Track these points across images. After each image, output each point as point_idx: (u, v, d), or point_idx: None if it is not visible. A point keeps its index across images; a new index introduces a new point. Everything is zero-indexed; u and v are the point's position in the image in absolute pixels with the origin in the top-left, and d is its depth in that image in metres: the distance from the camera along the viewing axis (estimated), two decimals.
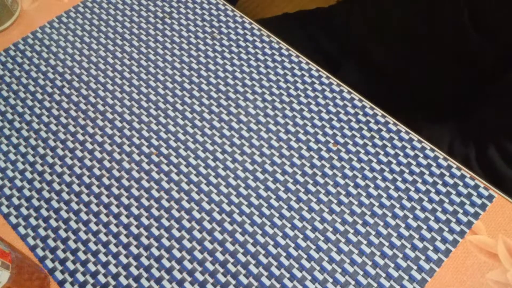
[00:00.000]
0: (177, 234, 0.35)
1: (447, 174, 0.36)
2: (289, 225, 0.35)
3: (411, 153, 0.38)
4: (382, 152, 0.38)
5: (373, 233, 0.34)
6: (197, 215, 0.35)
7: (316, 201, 0.36)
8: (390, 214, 0.35)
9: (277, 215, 0.35)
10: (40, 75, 0.44)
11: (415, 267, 0.33)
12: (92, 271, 0.33)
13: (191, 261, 0.34)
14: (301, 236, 0.34)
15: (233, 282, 0.33)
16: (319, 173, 0.37)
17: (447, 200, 0.35)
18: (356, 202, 0.35)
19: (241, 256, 0.34)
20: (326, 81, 0.42)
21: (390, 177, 0.37)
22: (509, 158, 0.42)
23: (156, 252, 0.34)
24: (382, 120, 0.40)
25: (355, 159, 0.38)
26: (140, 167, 0.38)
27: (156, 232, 0.35)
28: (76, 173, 0.38)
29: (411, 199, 0.35)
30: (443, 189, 0.36)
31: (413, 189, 0.36)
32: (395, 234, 0.34)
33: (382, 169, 0.37)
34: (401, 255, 0.33)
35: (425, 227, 0.34)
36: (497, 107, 0.44)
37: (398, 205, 0.35)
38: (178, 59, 0.44)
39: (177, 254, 0.34)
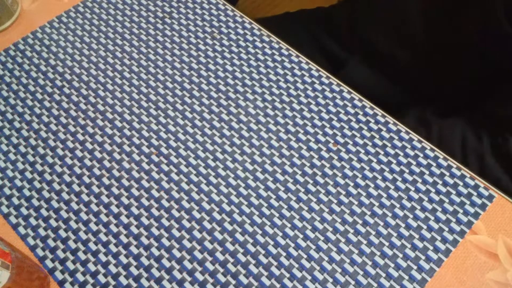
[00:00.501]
0: (177, 234, 0.35)
1: (447, 174, 0.36)
2: (289, 225, 0.35)
3: (411, 153, 0.38)
4: (382, 152, 0.38)
5: (373, 233, 0.34)
6: (197, 215, 0.35)
7: (316, 201, 0.36)
8: (390, 214, 0.35)
9: (277, 215, 0.35)
10: (40, 75, 0.44)
11: (415, 267, 0.33)
12: (92, 271, 0.33)
13: (191, 261, 0.34)
14: (301, 236, 0.34)
15: (233, 282, 0.33)
16: (319, 173, 0.37)
17: (447, 200, 0.35)
18: (356, 202, 0.35)
19: (241, 256, 0.34)
20: (326, 81, 0.42)
21: (390, 177, 0.37)
22: None
23: (156, 252, 0.34)
24: (382, 120, 0.40)
25: (355, 159, 0.38)
26: (140, 167, 0.38)
27: (156, 232, 0.35)
28: (76, 173, 0.38)
29: (411, 199, 0.35)
30: (443, 189, 0.36)
31: (413, 189, 0.36)
32: (395, 234, 0.34)
33: (382, 169, 0.37)
34: (401, 255, 0.33)
35: (425, 227, 0.34)
36: None
37: (398, 205, 0.35)
38: (178, 59, 0.44)
39: (177, 254, 0.34)
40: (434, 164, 0.37)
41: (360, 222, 0.35)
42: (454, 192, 0.36)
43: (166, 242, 0.34)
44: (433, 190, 0.36)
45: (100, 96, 0.42)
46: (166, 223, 0.35)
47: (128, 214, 0.36)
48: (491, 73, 0.46)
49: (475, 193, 0.35)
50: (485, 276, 0.32)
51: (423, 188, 0.36)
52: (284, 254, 0.34)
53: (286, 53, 0.44)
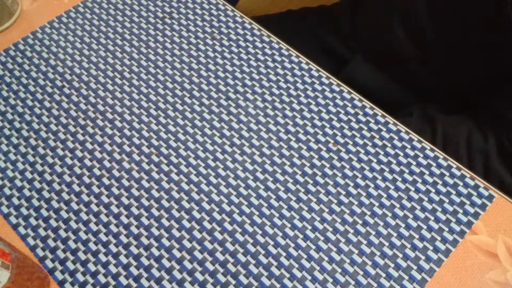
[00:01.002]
0: (177, 234, 0.35)
1: (447, 174, 0.36)
2: (289, 225, 0.35)
3: (411, 153, 0.38)
4: (382, 152, 0.38)
5: (373, 233, 0.34)
6: (197, 215, 0.35)
7: (316, 201, 0.36)
8: (390, 214, 0.35)
9: (277, 215, 0.35)
10: (40, 75, 0.44)
11: (415, 267, 0.33)
12: (92, 271, 0.33)
13: (191, 261, 0.34)
14: (301, 236, 0.34)
15: (233, 282, 0.33)
16: (319, 173, 0.37)
17: (447, 200, 0.35)
18: (356, 202, 0.35)
19: (241, 256, 0.34)
20: (326, 81, 0.42)
21: (390, 177, 0.37)
22: None
23: (156, 252, 0.34)
24: (382, 120, 0.40)
25: (355, 159, 0.38)
26: (140, 167, 0.38)
27: (156, 232, 0.35)
28: (76, 173, 0.38)
29: (411, 199, 0.35)
30: (443, 189, 0.36)
31: (413, 189, 0.36)
32: (395, 234, 0.34)
33: (382, 169, 0.37)
34: (401, 255, 0.33)
35: (425, 227, 0.34)
36: None
37: (398, 205, 0.35)
38: (178, 59, 0.44)
39: (177, 254, 0.34)
40: (434, 164, 0.37)
41: (360, 222, 0.35)
42: (454, 192, 0.36)
43: (166, 242, 0.34)
44: (433, 190, 0.36)
45: (100, 96, 0.42)
46: (166, 223, 0.35)
47: (128, 214, 0.36)
48: (498, 72, 0.45)
49: (475, 193, 0.35)
50: (485, 276, 0.32)
51: (423, 188, 0.36)
52: (284, 254, 0.34)
53: (286, 53, 0.44)
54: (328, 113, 0.40)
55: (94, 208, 0.36)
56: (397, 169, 0.37)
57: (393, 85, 0.57)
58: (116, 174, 0.38)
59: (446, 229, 0.34)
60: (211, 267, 0.33)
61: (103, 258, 0.34)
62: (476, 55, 0.46)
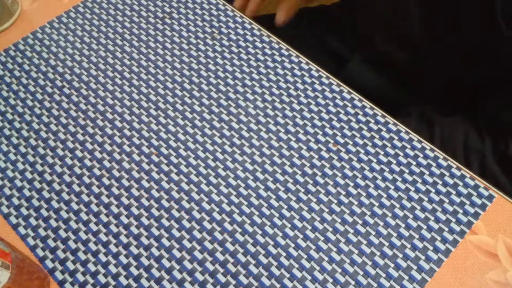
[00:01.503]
0: (177, 234, 0.35)
1: (447, 174, 0.36)
2: (289, 225, 0.35)
3: (411, 153, 0.38)
4: (382, 152, 0.38)
5: (373, 233, 0.34)
6: (197, 215, 0.35)
7: (316, 201, 0.36)
8: (390, 214, 0.35)
9: (277, 215, 0.35)
10: (40, 75, 0.44)
11: (415, 267, 0.33)
12: (92, 271, 0.33)
13: (191, 261, 0.34)
14: (301, 236, 0.34)
15: (233, 282, 0.33)
16: (319, 173, 0.37)
17: (447, 200, 0.35)
18: (356, 202, 0.35)
19: (241, 256, 0.34)
20: (326, 81, 0.42)
21: (390, 177, 0.37)
22: None
23: (156, 252, 0.34)
24: (382, 120, 0.40)
25: (355, 159, 0.38)
26: (140, 167, 0.38)
27: (156, 232, 0.35)
28: (76, 173, 0.38)
29: (411, 199, 0.35)
30: (443, 189, 0.36)
31: (413, 189, 0.36)
32: (395, 234, 0.34)
33: (382, 169, 0.37)
34: (401, 255, 0.33)
35: (425, 227, 0.34)
36: None
37: (398, 205, 0.35)
38: (178, 59, 0.44)
39: (177, 254, 0.34)
40: (434, 164, 0.37)
41: (360, 222, 0.35)
42: (454, 192, 0.36)
43: (166, 242, 0.34)
44: (433, 190, 0.36)
45: (100, 96, 0.42)
46: (166, 223, 0.35)
47: (128, 214, 0.36)
48: (491, 75, 0.46)
49: (475, 193, 0.35)
50: (485, 276, 0.32)
51: (423, 188, 0.36)
52: (284, 254, 0.34)
53: (286, 53, 0.44)
54: (328, 113, 0.40)
55: (94, 208, 0.36)
56: (397, 169, 0.37)
57: (392, 85, 0.57)
58: (116, 174, 0.38)
59: (446, 229, 0.34)
60: (211, 267, 0.33)
61: (103, 258, 0.34)
62: (468, 59, 0.46)
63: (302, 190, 0.36)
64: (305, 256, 0.33)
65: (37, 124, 0.41)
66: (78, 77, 0.44)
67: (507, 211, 0.35)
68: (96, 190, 0.37)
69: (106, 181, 0.37)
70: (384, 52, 0.55)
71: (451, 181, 0.36)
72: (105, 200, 0.36)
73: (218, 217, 0.35)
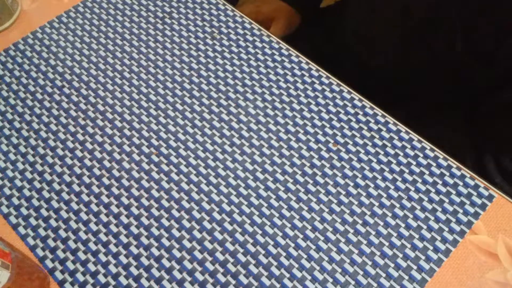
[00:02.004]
0: (177, 234, 0.35)
1: (447, 174, 0.36)
2: (289, 225, 0.35)
3: (411, 153, 0.38)
4: (382, 152, 0.38)
5: (373, 233, 0.34)
6: (197, 215, 0.35)
7: (316, 201, 0.36)
8: (390, 214, 0.35)
9: (277, 215, 0.35)
10: (40, 75, 0.44)
11: (415, 267, 0.33)
12: (92, 271, 0.33)
13: (191, 261, 0.34)
14: (301, 236, 0.34)
15: (233, 282, 0.33)
16: (319, 173, 0.37)
17: (447, 200, 0.35)
18: (356, 202, 0.35)
19: (241, 256, 0.34)
20: (326, 81, 0.42)
21: (390, 177, 0.37)
22: None
23: (156, 252, 0.34)
24: (382, 120, 0.40)
25: (355, 159, 0.38)
26: (140, 167, 0.38)
27: (156, 232, 0.35)
28: (76, 173, 0.38)
29: (411, 199, 0.35)
30: (443, 189, 0.36)
31: (413, 189, 0.36)
32: (395, 234, 0.34)
33: (382, 169, 0.37)
34: (401, 255, 0.33)
35: (425, 227, 0.34)
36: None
37: (398, 205, 0.35)
38: (178, 59, 0.44)
39: (177, 254, 0.34)
40: (434, 164, 0.37)
41: (360, 222, 0.35)
42: (454, 192, 0.36)
43: (166, 242, 0.34)
44: (433, 190, 0.36)
45: (100, 96, 0.42)
46: (166, 223, 0.35)
47: (128, 214, 0.36)
48: (490, 79, 0.46)
49: (475, 193, 0.35)
50: (485, 276, 0.32)
51: (423, 188, 0.36)
52: (284, 254, 0.34)
53: (286, 53, 0.44)
54: (328, 113, 0.40)
55: (94, 208, 0.36)
56: (397, 169, 0.37)
57: (379, 92, 0.57)
58: (116, 174, 0.38)
59: (446, 229, 0.34)
60: (211, 267, 0.33)
61: (103, 258, 0.34)
62: (469, 62, 0.47)
63: (302, 190, 0.36)
64: (305, 256, 0.33)
65: (37, 124, 0.41)
66: (78, 77, 0.44)
67: (507, 211, 0.35)
68: (96, 190, 0.37)
69: (106, 181, 0.37)
70: (377, 54, 0.55)
71: (451, 181, 0.36)
72: (105, 200, 0.36)
73: (218, 217, 0.35)
